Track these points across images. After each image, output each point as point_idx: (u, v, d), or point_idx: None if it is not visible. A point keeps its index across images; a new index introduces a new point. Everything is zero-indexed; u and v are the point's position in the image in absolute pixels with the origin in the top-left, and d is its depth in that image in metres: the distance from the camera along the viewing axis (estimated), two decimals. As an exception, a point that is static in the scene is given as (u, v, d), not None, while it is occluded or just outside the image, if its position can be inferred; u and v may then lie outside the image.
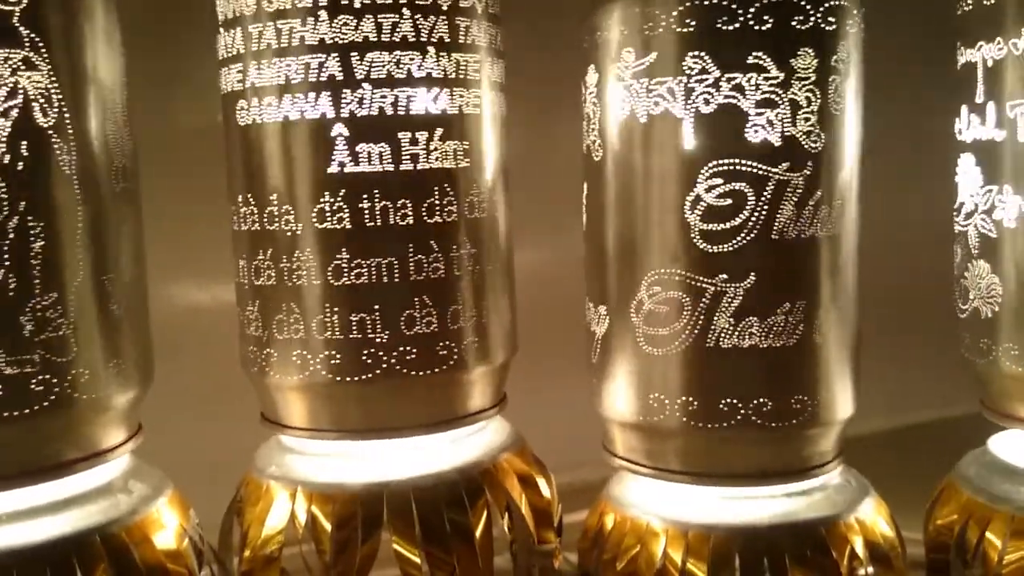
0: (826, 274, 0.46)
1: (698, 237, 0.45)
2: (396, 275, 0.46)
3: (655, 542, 0.47)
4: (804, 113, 0.44)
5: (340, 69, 0.45)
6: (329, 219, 0.46)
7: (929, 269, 0.62)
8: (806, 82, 0.44)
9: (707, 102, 0.44)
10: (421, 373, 0.47)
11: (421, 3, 0.45)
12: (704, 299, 0.45)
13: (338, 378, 0.47)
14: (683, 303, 0.45)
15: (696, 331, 0.45)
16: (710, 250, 0.44)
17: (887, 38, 0.49)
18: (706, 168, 0.44)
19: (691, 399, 0.46)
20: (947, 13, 0.52)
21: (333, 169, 0.45)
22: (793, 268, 0.45)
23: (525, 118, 0.75)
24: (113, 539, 0.42)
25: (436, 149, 0.46)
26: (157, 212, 0.49)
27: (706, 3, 0.43)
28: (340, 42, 0.45)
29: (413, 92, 0.46)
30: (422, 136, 0.46)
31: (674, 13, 0.44)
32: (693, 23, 0.43)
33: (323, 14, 0.45)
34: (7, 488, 0.41)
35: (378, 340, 0.46)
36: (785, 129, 0.44)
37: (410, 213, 0.46)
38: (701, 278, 0.45)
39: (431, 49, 0.46)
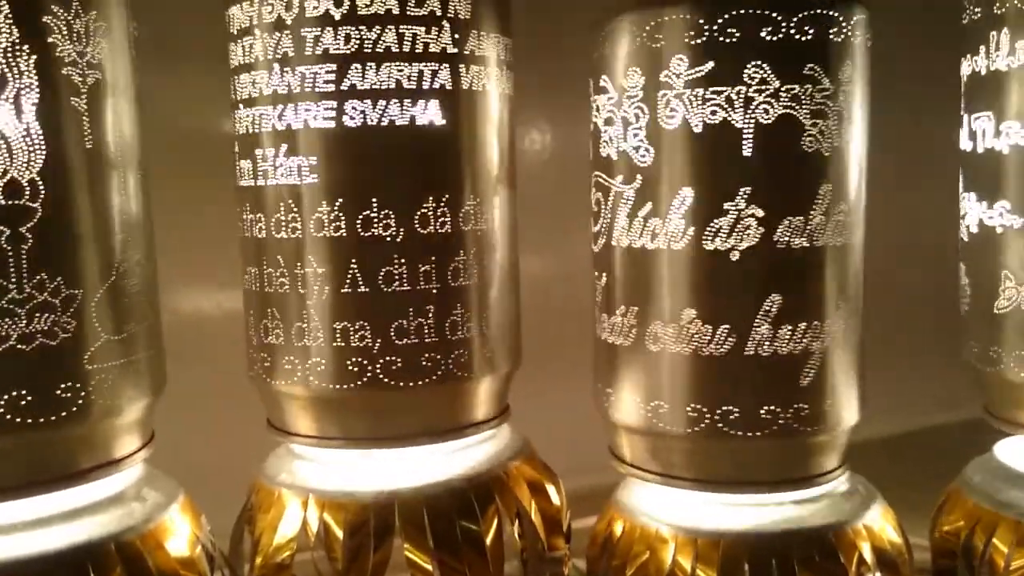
0: (664, 282, 0.46)
1: (591, 238, 0.50)
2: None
3: (664, 549, 0.47)
4: (633, 129, 0.46)
5: (233, 89, 0.49)
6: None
7: (934, 274, 0.62)
8: (635, 99, 0.46)
9: (591, 121, 0.50)
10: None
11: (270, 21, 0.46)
12: (596, 293, 0.50)
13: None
14: (594, 295, 0.51)
15: (597, 321, 0.51)
16: (594, 249, 0.50)
17: (888, 37, 0.50)
18: (592, 178, 0.50)
19: (605, 387, 0.50)
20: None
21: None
22: (626, 274, 0.48)
23: (531, 125, 0.76)
24: (128, 547, 0.43)
25: (281, 165, 0.46)
26: (165, 220, 0.49)
27: (599, 35, 0.48)
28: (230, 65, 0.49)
29: (264, 110, 0.46)
30: (270, 152, 0.46)
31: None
32: (594, 53, 0.49)
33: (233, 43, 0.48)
34: (22, 496, 0.42)
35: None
36: (619, 145, 0.47)
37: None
38: (594, 273, 0.50)
39: (275, 66, 0.46)
